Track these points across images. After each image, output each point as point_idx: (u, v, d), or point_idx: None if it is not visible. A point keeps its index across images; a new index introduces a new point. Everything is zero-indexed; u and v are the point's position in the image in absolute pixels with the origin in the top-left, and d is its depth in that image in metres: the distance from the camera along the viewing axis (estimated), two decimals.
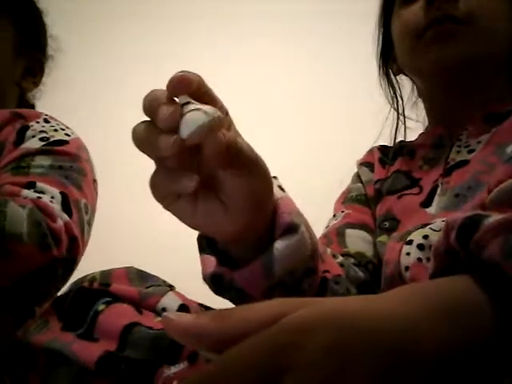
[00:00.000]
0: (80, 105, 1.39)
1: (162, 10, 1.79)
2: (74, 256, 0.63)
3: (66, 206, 0.65)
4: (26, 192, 0.62)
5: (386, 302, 0.25)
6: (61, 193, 0.65)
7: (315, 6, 1.66)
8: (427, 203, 0.63)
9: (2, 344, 0.54)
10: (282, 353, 0.22)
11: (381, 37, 0.79)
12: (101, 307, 0.46)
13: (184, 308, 0.51)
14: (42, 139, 0.71)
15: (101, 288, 0.49)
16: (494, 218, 0.28)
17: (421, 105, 0.80)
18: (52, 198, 0.63)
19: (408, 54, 0.69)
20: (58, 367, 0.45)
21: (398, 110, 0.80)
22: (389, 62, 0.80)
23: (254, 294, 0.46)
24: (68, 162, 0.69)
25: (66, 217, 0.63)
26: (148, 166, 1.59)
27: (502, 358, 0.24)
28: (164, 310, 0.50)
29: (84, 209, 0.68)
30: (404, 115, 0.80)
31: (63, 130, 0.74)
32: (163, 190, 0.40)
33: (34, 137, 0.70)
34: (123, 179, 1.40)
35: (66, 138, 0.72)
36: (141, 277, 0.53)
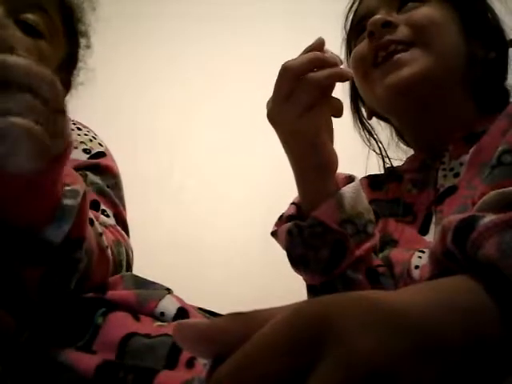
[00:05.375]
0: (77, 104, 1.39)
1: (164, 11, 1.78)
2: None
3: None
4: (104, 219, 0.64)
5: (401, 293, 0.25)
6: (114, 214, 0.68)
7: (316, 6, 1.65)
8: (424, 230, 0.64)
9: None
10: (314, 326, 0.21)
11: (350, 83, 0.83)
12: (99, 320, 0.46)
13: (182, 311, 0.51)
14: (85, 151, 0.73)
15: (96, 296, 0.48)
16: (489, 218, 0.29)
17: (403, 146, 0.84)
18: (116, 224, 0.67)
19: (364, 84, 0.72)
20: (58, 376, 0.44)
21: (380, 152, 0.84)
22: (359, 107, 0.84)
23: (330, 224, 0.58)
24: (112, 180, 0.73)
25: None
26: (146, 166, 1.58)
27: (504, 355, 0.24)
28: (162, 314, 0.50)
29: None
30: (382, 155, 0.84)
31: (95, 138, 0.77)
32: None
33: (76, 148, 0.73)
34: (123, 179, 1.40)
35: (101, 148, 0.75)
36: (136, 282, 0.52)
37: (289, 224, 0.62)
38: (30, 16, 0.69)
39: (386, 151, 0.83)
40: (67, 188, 0.46)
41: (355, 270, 0.60)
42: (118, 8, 1.73)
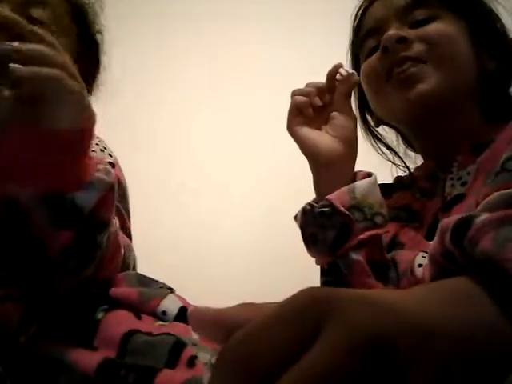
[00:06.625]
0: None
1: (168, 10, 1.78)
2: None
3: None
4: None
5: (404, 294, 0.26)
6: (121, 226, 0.69)
7: (318, 6, 1.65)
8: (430, 236, 0.65)
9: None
10: (319, 302, 0.22)
11: (356, 94, 0.83)
12: (100, 315, 0.46)
13: (185, 311, 0.51)
14: None
15: (99, 292, 0.48)
16: (485, 216, 0.29)
17: (411, 153, 0.84)
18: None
19: (377, 98, 0.73)
20: (59, 375, 0.44)
21: (393, 159, 0.85)
22: (366, 117, 0.84)
23: (339, 207, 0.62)
24: (119, 191, 0.73)
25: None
26: (146, 166, 1.56)
27: (505, 352, 0.24)
28: (164, 313, 0.50)
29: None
30: (394, 162, 0.85)
31: (105, 148, 0.80)
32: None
33: None
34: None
35: (111, 159, 0.77)
36: (140, 281, 0.53)
37: (304, 204, 0.66)
38: (34, 11, 0.71)
39: (400, 157, 0.84)
40: (100, 166, 0.49)
41: (357, 252, 0.63)
42: (117, 8, 1.72)
